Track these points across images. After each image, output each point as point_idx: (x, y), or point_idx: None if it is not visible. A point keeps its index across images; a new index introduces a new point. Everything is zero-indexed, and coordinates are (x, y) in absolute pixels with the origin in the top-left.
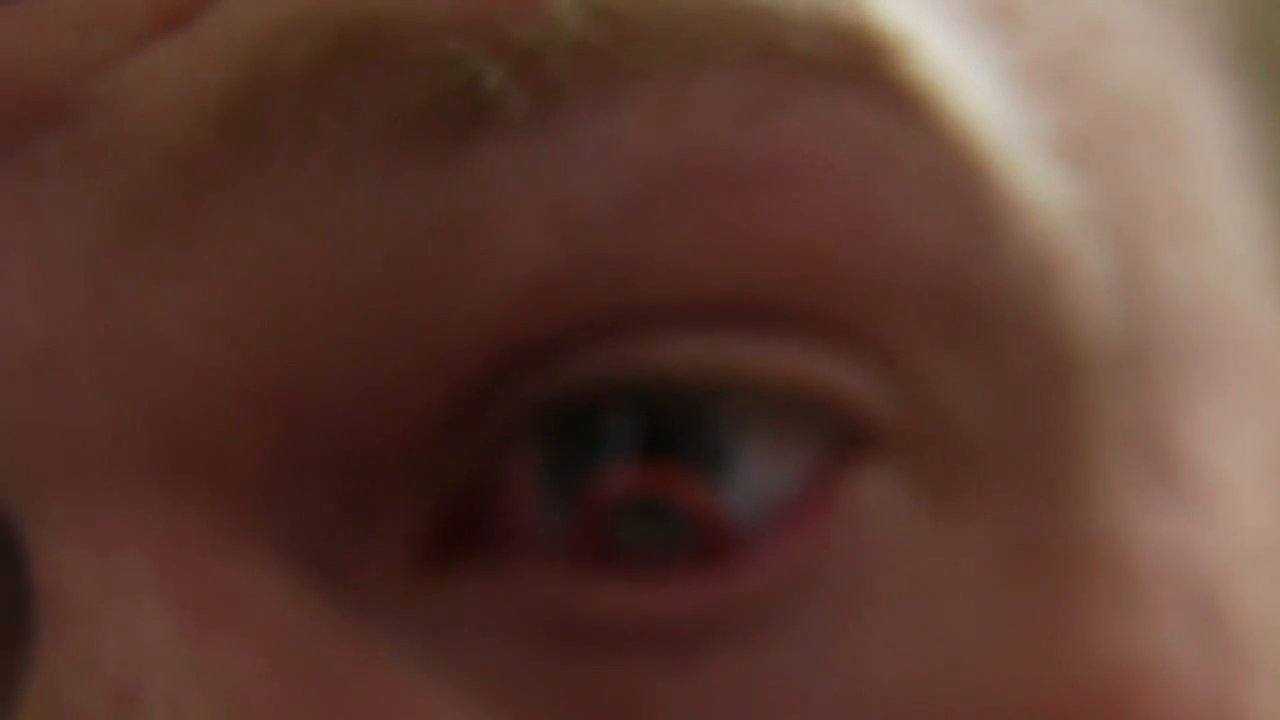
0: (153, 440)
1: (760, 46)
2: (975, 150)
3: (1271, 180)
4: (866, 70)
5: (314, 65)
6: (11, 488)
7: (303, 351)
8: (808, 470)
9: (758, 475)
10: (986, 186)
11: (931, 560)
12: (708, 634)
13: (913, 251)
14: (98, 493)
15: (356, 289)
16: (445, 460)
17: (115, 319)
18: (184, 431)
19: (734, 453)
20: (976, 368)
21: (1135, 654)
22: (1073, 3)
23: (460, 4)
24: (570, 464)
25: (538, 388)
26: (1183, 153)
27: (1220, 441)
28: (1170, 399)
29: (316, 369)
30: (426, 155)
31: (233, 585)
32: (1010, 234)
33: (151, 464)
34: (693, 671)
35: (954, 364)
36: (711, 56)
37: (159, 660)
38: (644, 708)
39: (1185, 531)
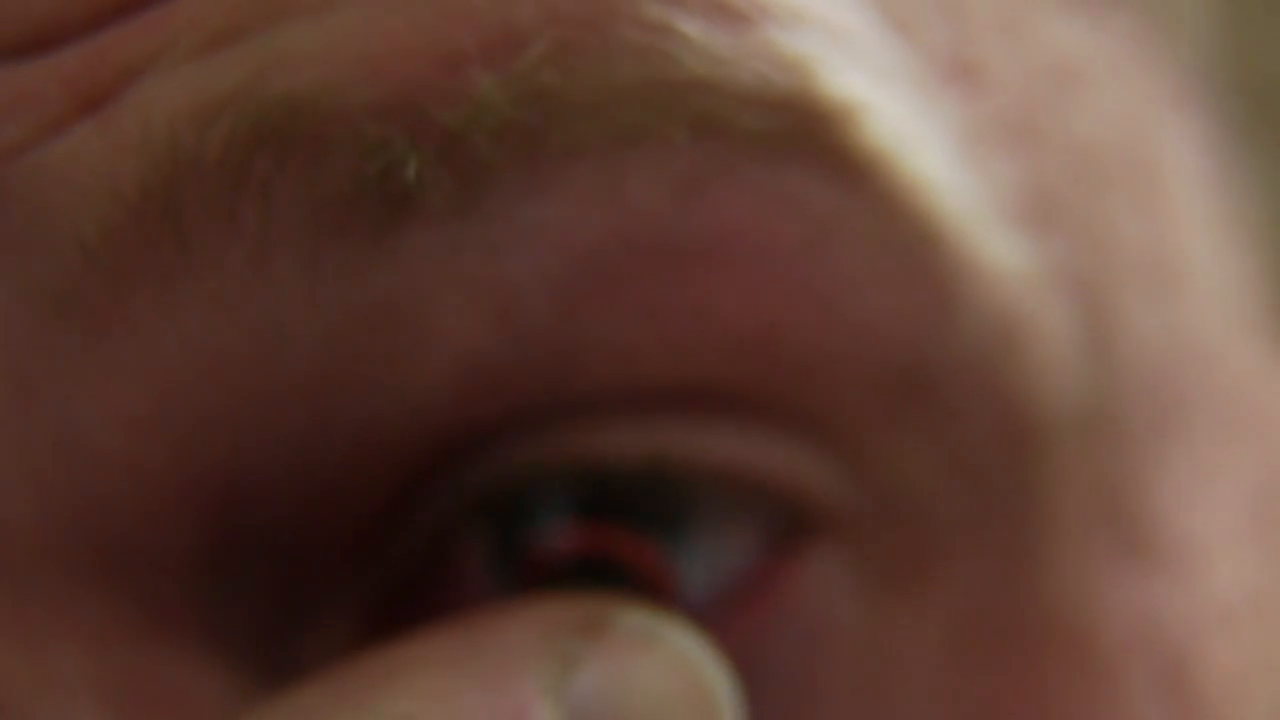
0: (81, 535)
1: (698, 120)
2: (927, 218)
3: (1259, 214)
4: (810, 140)
5: (232, 152)
6: None
7: (232, 446)
8: (754, 554)
9: (706, 555)
10: (939, 256)
11: (882, 646)
12: None
13: (862, 328)
14: (26, 588)
15: (284, 382)
16: (385, 548)
17: (38, 414)
18: (113, 526)
19: (685, 522)
20: (932, 444)
21: None
22: (1039, 49)
23: (382, 88)
24: (515, 530)
25: (477, 476)
26: (1158, 197)
27: (1193, 498)
28: (1139, 459)
29: (247, 463)
30: (350, 244)
31: (168, 679)
32: (966, 304)
33: (81, 559)
34: None
35: (908, 442)
36: (646, 132)
37: None
38: None
39: (1153, 599)
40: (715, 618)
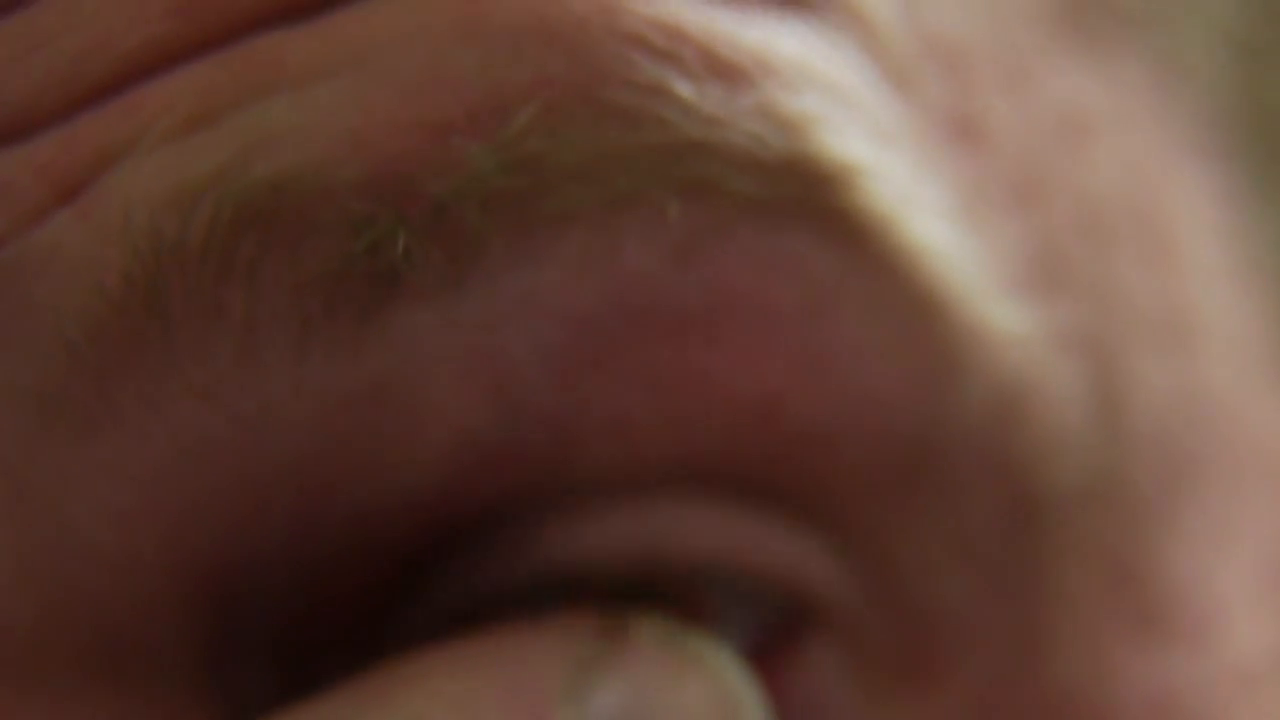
0: (80, 632)
1: (692, 184)
2: (929, 283)
3: (1271, 257)
4: (808, 203)
5: (216, 238)
6: None
7: (222, 535)
8: (752, 642)
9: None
10: (942, 322)
11: None
12: None
13: (863, 398)
14: (30, 684)
15: (272, 469)
16: (392, 633)
17: (30, 512)
18: (112, 622)
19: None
20: (935, 525)
21: None
22: (1044, 102)
23: (368, 162)
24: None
25: (465, 584)
26: (1169, 251)
27: (1209, 561)
28: (1150, 525)
29: (238, 552)
30: (338, 324)
31: None
32: (969, 373)
33: (81, 656)
34: None
35: (910, 524)
36: (639, 197)
37: None
38: None
39: (1170, 672)
40: None
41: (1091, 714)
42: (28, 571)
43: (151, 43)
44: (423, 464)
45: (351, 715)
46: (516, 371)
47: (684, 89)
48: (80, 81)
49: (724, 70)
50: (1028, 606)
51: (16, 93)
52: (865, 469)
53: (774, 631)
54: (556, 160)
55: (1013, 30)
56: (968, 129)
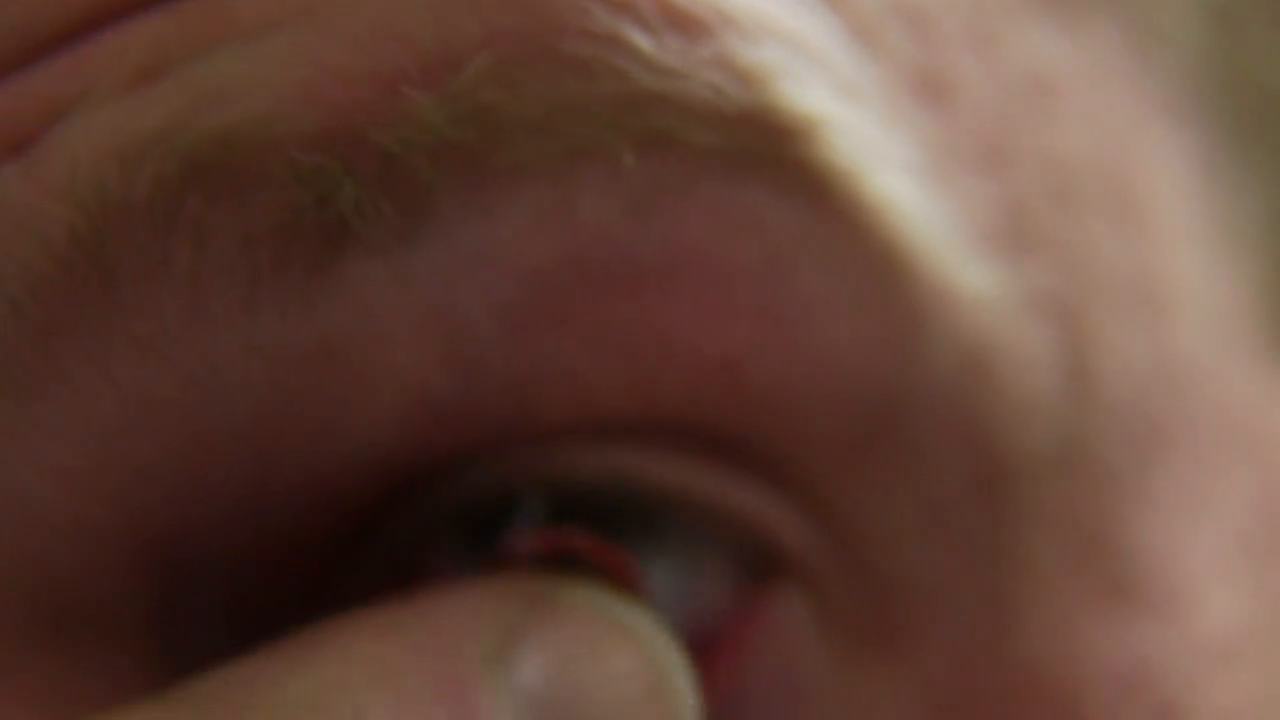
0: (28, 596)
1: (649, 136)
2: (893, 240)
3: (1255, 227)
4: (768, 156)
5: (162, 192)
6: None
7: (172, 497)
8: (724, 588)
9: (676, 579)
10: (906, 280)
11: (855, 710)
12: None
13: (825, 358)
14: None
15: (223, 429)
16: (346, 583)
17: None
18: (61, 586)
19: (654, 540)
20: (901, 489)
21: None
22: (1013, 63)
23: (316, 115)
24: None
25: (433, 507)
26: (1142, 215)
27: (1181, 532)
28: (1122, 494)
29: (189, 513)
30: (288, 279)
31: None
32: (935, 332)
33: (29, 620)
34: None
35: (875, 488)
36: (595, 149)
37: None
38: None
39: (1141, 644)
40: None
41: (1060, 684)
42: None
43: None
44: (376, 422)
45: (269, 679)
46: (470, 327)
47: (641, 40)
48: (29, 36)
49: (682, 21)
50: (995, 574)
51: None
52: (828, 429)
53: (748, 577)
54: (510, 112)
55: None
56: (934, 87)
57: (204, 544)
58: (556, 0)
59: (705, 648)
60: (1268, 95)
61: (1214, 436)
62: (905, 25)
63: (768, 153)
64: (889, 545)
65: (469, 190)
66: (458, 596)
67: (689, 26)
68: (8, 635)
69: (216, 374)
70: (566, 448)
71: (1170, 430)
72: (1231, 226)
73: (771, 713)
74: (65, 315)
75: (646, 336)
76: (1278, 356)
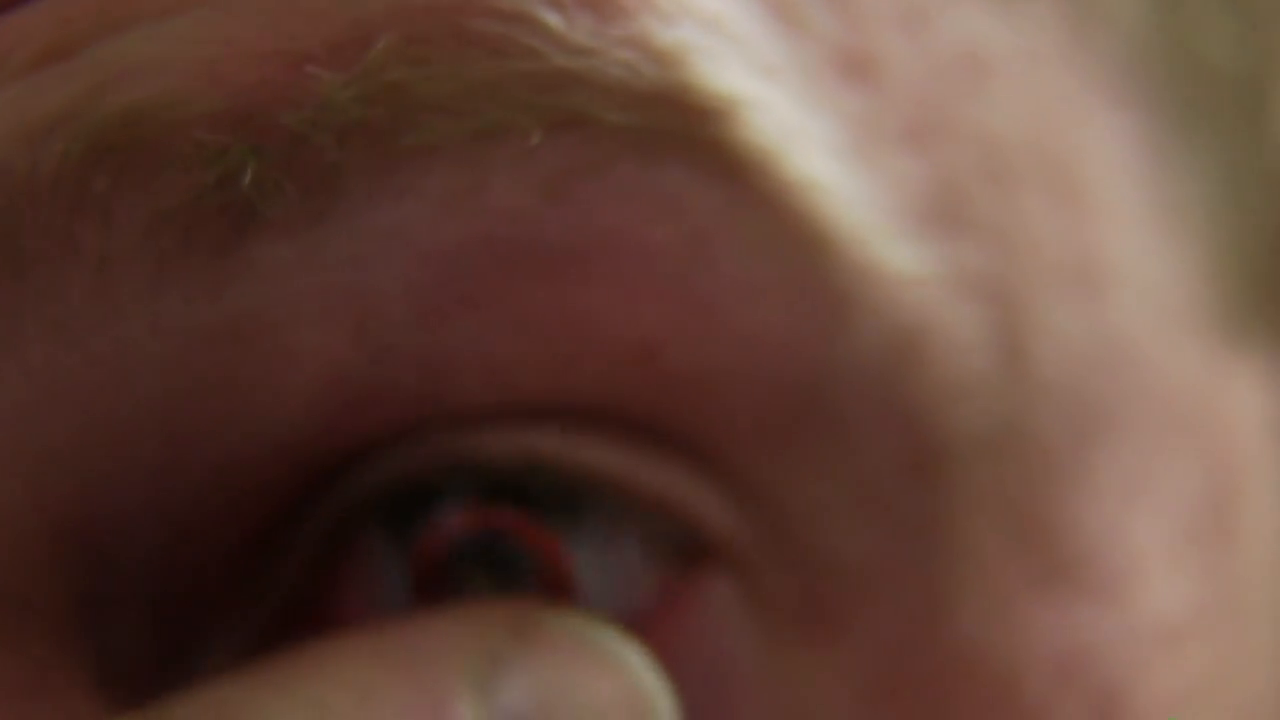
0: None
1: (562, 115)
2: (816, 221)
3: (1197, 207)
4: (685, 137)
5: (67, 171)
6: None
7: (92, 484)
8: (650, 572)
9: (601, 562)
10: (830, 261)
11: (787, 697)
12: None
13: (747, 341)
14: None
15: (134, 411)
16: (269, 571)
17: None
18: None
19: (577, 523)
20: (829, 472)
21: None
22: (945, 38)
23: (222, 94)
24: (408, 533)
25: (354, 490)
26: (1080, 193)
27: (1123, 513)
28: (1060, 476)
29: (105, 497)
30: (194, 260)
31: None
32: (861, 314)
33: None
34: None
35: (802, 467)
36: (506, 129)
37: None
38: None
39: (1081, 629)
40: None
41: (998, 669)
42: None
43: None
44: (287, 405)
45: (253, 702)
46: (381, 310)
47: (551, 18)
48: None
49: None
50: (930, 558)
51: None
52: (751, 413)
53: (674, 561)
54: (418, 91)
55: None
56: (859, 65)
57: (124, 529)
58: None
59: (636, 628)
60: (1213, 74)
61: (1155, 418)
62: (829, 3)
63: (684, 133)
64: (819, 528)
65: (377, 171)
66: (442, 622)
67: (601, 5)
68: None
69: (125, 355)
70: (483, 431)
71: (1109, 411)
72: (1176, 207)
73: (701, 698)
74: None
75: (561, 320)
76: (1224, 339)
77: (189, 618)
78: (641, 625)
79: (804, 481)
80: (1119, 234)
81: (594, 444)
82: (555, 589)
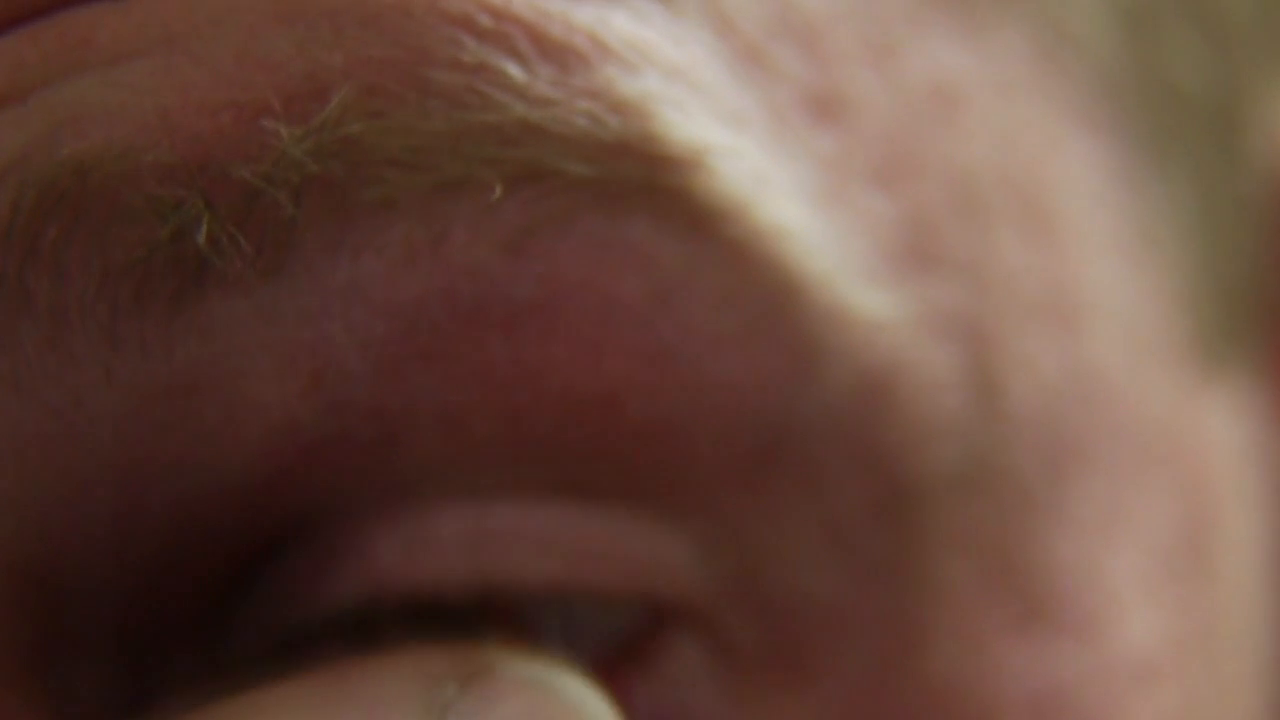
0: None
1: (524, 168)
2: (785, 268)
3: (1170, 232)
4: (650, 187)
5: (20, 221)
6: None
7: (48, 533)
8: (606, 651)
9: (560, 632)
10: (799, 308)
11: None
12: None
13: (713, 391)
14: None
15: (89, 463)
16: (230, 614)
17: None
18: None
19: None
20: (798, 512)
21: None
22: (913, 73)
23: (176, 145)
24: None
25: (307, 578)
26: (1052, 224)
27: (1098, 549)
28: (1034, 513)
29: (68, 550)
30: (148, 314)
31: None
32: (830, 359)
33: None
34: None
35: (770, 513)
36: (466, 182)
37: None
38: None
39: (1057, 667)
40: None
41: (972, 710)
42: None
43: None
44: (243, 458)
45: None
46: (338, 364)
47: (512, 69)
48: None
49: (556, 51)
50: (902, 599)
51: None
52: (718, 460)
53: (631, 636)
54: (376, 145)
55: (876, 1)
56: (828, 105)
57: (83, 579)
58: (424, 29)
59: (599, 684)
60: (1185, 101)
61: (1131, 451)
62: (795, 44)
63: (649, 184)
64: (789, 572)
65: (334, 226)
66: (392, 669)
67: (563, 56)
68: None
69: (79, 407)
70: (432, 506)
71: (1085, 446)
72: (1149, 234)
73: None
74: None
75: (521, 373)
76: (1198, 368)
77: (150, 660)
78: (601, 680)
79: (771, 526)
80: (1092, 265)
81: (548, 510)
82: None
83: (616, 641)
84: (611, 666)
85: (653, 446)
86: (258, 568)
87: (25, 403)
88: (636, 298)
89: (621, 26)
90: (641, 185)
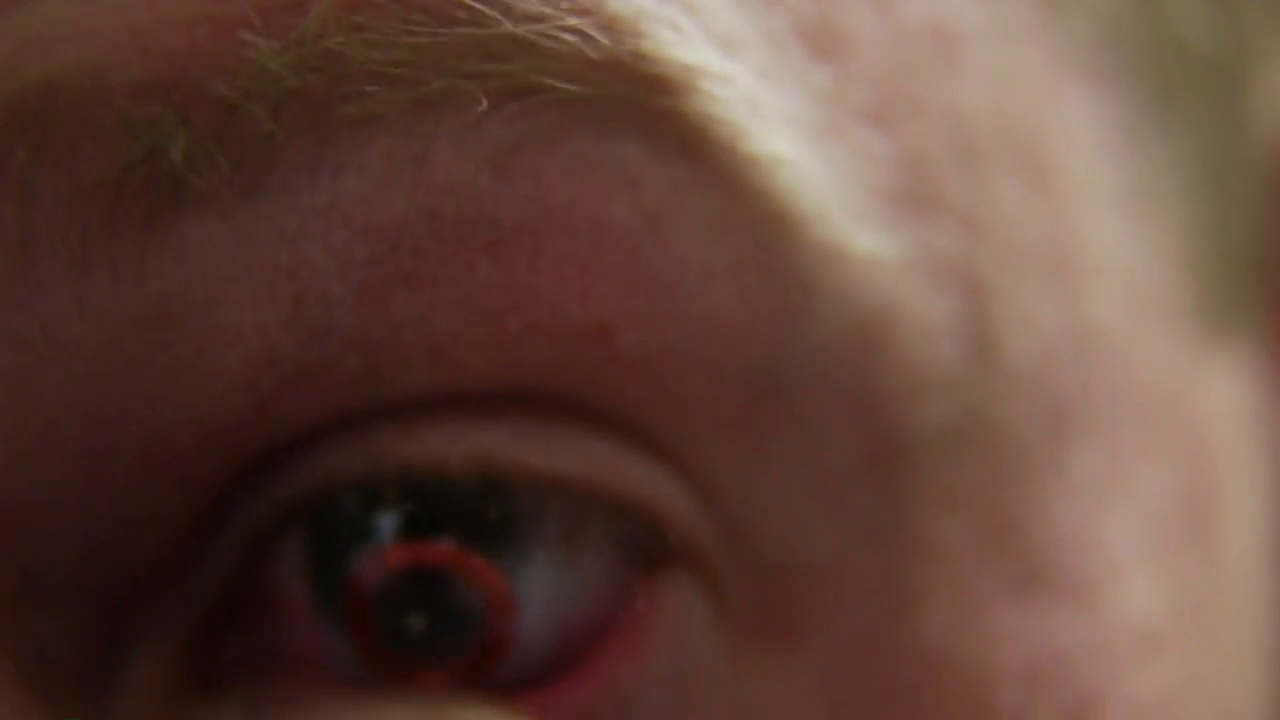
0: None
1: (510, 85)
2: (777, 198)
3: (1173, 189)
4: (641, 109)
5: None
6: None
7: (16, 472)
8: (605, 577)
9: (550, 576)
10: (792, 241)
11: (750, 705)
12: None
13: (703, 324)
14: None
15: (59, 396)
16: (198, 567)
17: None
18: None
19: (524, 539)
20: (790, 460)
21: None
22: (915, 14)
23: (148, 62)
24: (337, 543)
25: (287, 489)
26: (1053, 175)
27: (1098, 511)
28: (1032, 471)
29: (32, 487)
30: (120, 238)
31: None
32: (823, 298)
33: None
34: None
35: (761, 459)
36: (451, 98)
37: None
38: None
39: (1054, 633)
40: (566, 655)
41: (967, 675)
42: None
43: None
44: (220, 388)
45: None
46: (319, 288)
47: None
48: None
49: None
50: (894, 560)
51: None
52: (709, 399)
53: (633, 564)
54: (358, 59)
55: None
56: (826, 37)
57: (50, 516)
58: None
59: (595, 635)
60: (1188, 56)
61: (1132, 413)
62: None
63: (640, 105)
64: (779, 529)
65: (314, 143)
66: None
67: None
68: None
69: (48, 337)
70: (426, 423)
71: (1082, 406)
72: (1150, 190)
73: (664, 705)
74: None
75: (508, 299)
76: (1201, 329)
77: (116, 612)
78: (604, 628)
79: (764, 477)
80: (1092, 218)
81: (547, 435)
82: (496, 611)
83: (620, 581)
84: (615, 607)
85: (644, 380)
86: (228, 515)
87: None
88: (625, 222)
89: None
90: (631, 105)
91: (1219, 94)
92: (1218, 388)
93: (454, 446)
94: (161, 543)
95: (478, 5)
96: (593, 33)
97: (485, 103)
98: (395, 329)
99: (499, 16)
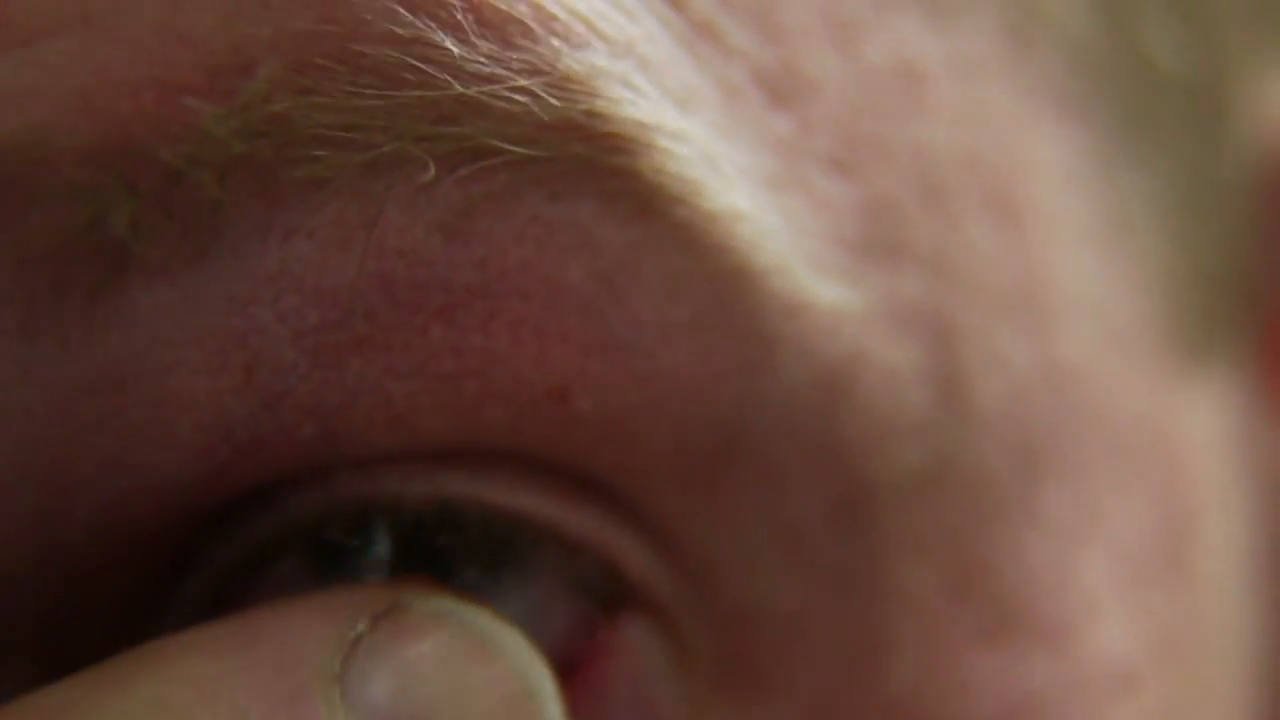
0: None
1: (464, 147)
2: (736, 255)
3: (1147, 218)
4: (595, 168)
5: None
6: None
7: None
8: (571, 618)
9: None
10: (751, 297)
11: None
12: None
13: (664, 383)
14: None
15: (13, 459)
16: (161, 625)
17: None
18: None
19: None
20: (754, 513)
21: None
22: (878, 51)
23: (93, 127)
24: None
25: (247, 535)
26: (1022, 212)
27: (1071, 550)
28: (1004, 514)
29: None
30: (66, 305)
31: None
32: (785, 350)
33: None
34: None
35: (724, 512)
36: (402, 160)
37: None
38: None
39: (1030, 674)
40: None
41: None
42: None
43: None
44: (174, 455)
45: (90, 701)
46: (271, 355)
47: (449, 43)
48: None
49: (494, 23)
50: (863, 608)
51: None
52: (668, 455)
53: (591, 613)
54: (306, 122)
55: None
56: (786, 84)
57: (8, 579)
58: (356, 1)
59: (560, 674)
60: (1162, 80)
61: (1106, 450)
62: (751, 20)
63: (593, 165)
64: (744, 579)
65: (263, 208)
66: (298, 609)
67: (502, 29)
68: None
69: None
70: (390, 476)
71: (1056, 445)
72: (1123, 220)
73: None
74: None
75: (463, 363)
76: (1177, 359)
77: (77, 667)
78: (563, 670)
79: (726, 526)
80: (1063, 253)
81: (508, 487)
82: None
83: (580, 622)
84: (575, 648)
85: (603, 439)
86: (190, 568)
87: None
88: (581, 283)
89: None
90: (585, 165)
91: (1195, 114)
92: (1195, 415)
93: (413, 490)
94: (121, 599)
95: (426, 67)
96: (544, 94)
97: (433, 168)
98: (351, 395)
99: (449, 78)
